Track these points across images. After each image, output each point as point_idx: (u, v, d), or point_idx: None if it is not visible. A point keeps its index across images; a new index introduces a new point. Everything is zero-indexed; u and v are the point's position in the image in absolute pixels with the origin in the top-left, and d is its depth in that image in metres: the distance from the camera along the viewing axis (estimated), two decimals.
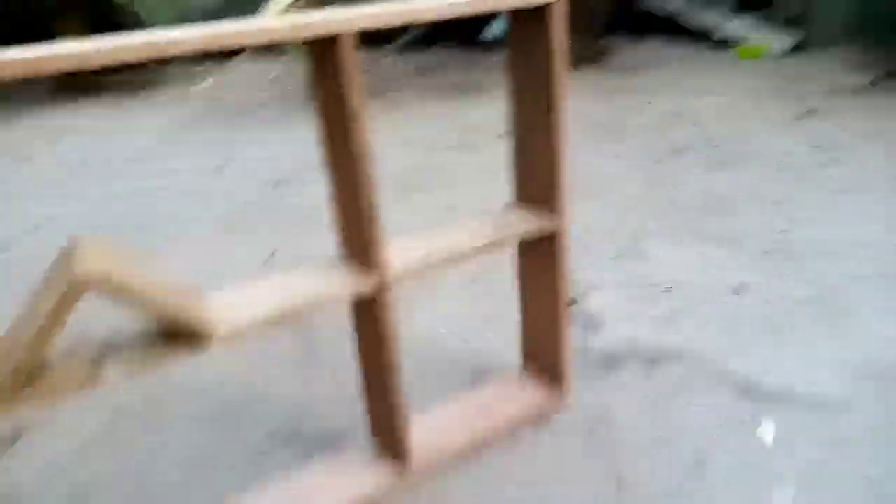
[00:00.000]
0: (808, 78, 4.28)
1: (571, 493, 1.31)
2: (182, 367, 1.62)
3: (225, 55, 5.82)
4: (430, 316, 1.92)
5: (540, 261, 1.47)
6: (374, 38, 5.81)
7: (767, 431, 1.42)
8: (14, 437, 1.53)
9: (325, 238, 2.14)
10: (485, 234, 1.36)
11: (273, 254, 2.34)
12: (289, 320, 1.15)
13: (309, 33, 1.03)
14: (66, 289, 0.89)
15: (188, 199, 3.00)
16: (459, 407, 1.51)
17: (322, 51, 1.10)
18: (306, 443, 1.49)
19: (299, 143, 3.64)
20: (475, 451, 1.42)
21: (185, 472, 1.42)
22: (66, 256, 0.96)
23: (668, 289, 1.97)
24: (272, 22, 1.02)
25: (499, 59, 5.23)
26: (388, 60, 5.76)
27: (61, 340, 0.96)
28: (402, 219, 2.43)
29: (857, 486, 1.27)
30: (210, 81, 5.35)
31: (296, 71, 5.39)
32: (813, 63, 4.66)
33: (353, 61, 1.07)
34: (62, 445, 1.51)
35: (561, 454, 1.40)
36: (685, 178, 2.82)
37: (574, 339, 1.76)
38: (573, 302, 1.89)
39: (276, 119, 4.28)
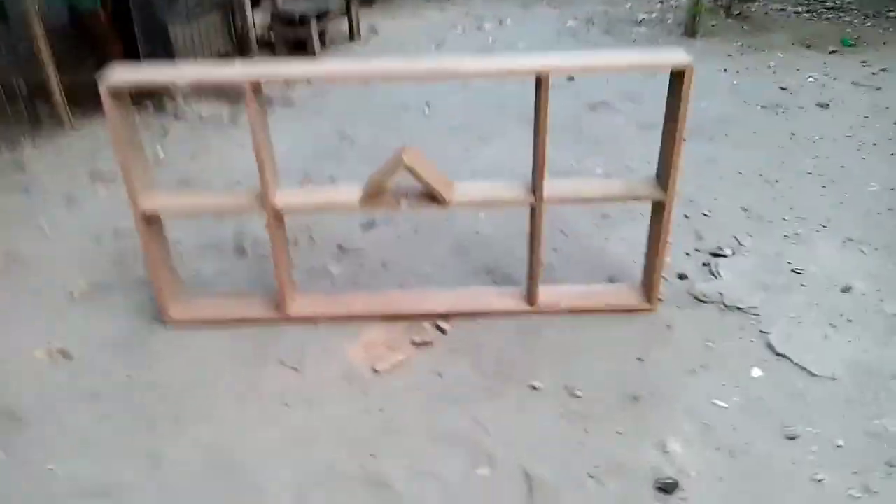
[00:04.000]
0: None
1: (605, 357, 2.23)
2: (444, 217, 2.84)
3: None
4: (616, 233, 2.82)
5: (658, 218, 2.29)
6: None
7: (757, 373, 2.12)
8: (370, 224, 2.95)
9: None
10: (616, 190, 2.25)
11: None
12: (487, 208, 2.25)
13: None
14: (395, 165, 2.13)
15: None
16: (584, 289, 2.48)
17: None
18: (496, 275, 2.62)
19: None
20: (576, 313, 2.40)
21: (435, 269, 2.68)
22: (399, 152, 2.18)
23: (797, 272, 2.54)
24: None
25: None
26: None
27: (390, 188, 2.21)
28: None
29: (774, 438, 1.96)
30: None
31: None
32: None
33: None
34: (391, 236, 2.89)
35: (617, 336, 2.30)
36: None
37: (694, 279, 2.53)
38: (707, 264, 2.61)
39: None
